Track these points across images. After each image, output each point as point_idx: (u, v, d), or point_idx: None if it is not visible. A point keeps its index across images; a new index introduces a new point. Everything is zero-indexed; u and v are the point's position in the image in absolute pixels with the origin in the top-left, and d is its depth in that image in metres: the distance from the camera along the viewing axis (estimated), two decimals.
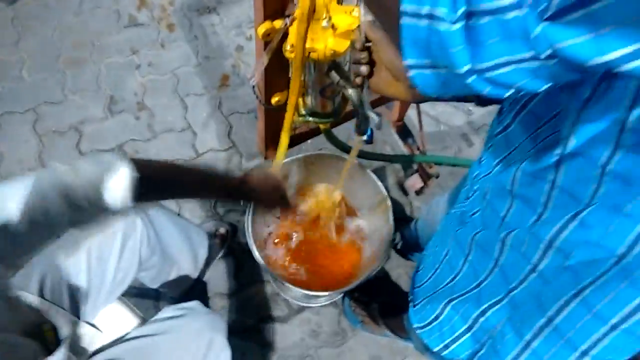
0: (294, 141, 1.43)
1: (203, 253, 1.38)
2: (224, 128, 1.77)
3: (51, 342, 0.81)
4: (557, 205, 0.46)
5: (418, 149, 1.65)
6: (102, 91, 1.80)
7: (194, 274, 1.38)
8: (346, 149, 1.35)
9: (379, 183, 1.30)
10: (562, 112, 0.46)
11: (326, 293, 1.31)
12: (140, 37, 1.93)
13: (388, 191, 1.31)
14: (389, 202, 1.27)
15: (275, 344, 1.44)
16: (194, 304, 1.01)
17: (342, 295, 1.51)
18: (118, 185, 0.63)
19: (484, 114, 1.90)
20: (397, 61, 0.50)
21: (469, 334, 0.62)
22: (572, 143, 0.44)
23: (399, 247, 1.49)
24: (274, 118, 1.21)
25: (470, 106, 1.93)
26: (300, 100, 1.02)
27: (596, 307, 0.42)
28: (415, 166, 1.65)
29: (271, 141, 1.32)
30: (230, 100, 1.83)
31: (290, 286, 1.19)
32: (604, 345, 0.43)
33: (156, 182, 0.72)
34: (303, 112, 1.05)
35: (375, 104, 1.41)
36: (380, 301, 1.47)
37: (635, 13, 0.27)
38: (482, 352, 0.59)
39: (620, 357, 0.44)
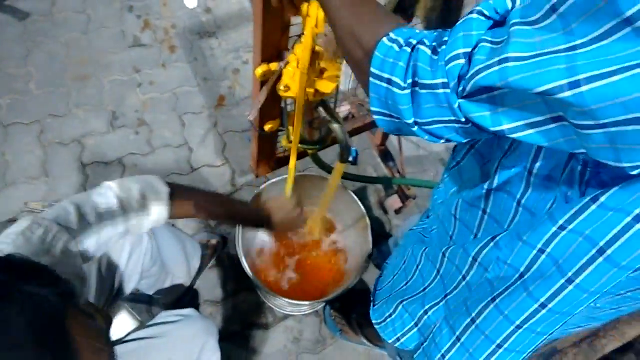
0: (282, 162, 1.55)
1: (196, 263, 1.49)
2: (219, 145, 1.89)
3: None
4: (487, 230, 0.60)
5: (398, 171, 1.79)
6: (104, 107, 1.92)
7: (187, 283, 1.49)
8: (331, 171, 1.48)
9: (359, 203, 1.43)
10: (490, 157, 0.60)
11: (309, 303, 1.43)
12: (143, 57, 2.06)
13: (369, 210, 1.44)
14: (368, 221, 1.40)
15: (260, 349, 1.55)
16: (190, 311, 1.11)
17: (323, 305, 1.62)
18: (159, 203, 0.85)
19: None
20: None
21: (415, 329, 0.74)
22: (496, 181, 0.58)
23: (377, 262, 1.61)
24: (265, 142, 1.34)
25: None
26: (290, 129, 1.15)
27: (506, 311, 0.54)
28: (395, 187, 1.79)
29: (262, 161, 1.44)
30: (226, 119, 1.96)
31: (275, 296, 1.30)
32: (512, 340, 0.55)
33: (184, 206, 0.93)
34: (292, 139, 1.17)
35: (360, 130, 1.55)
36: (359, 312, 1.59)
37: (520, 101, 0.40)
38: (426, 344, 0.72)
39: (526, 349, 0.56)
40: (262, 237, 1.54)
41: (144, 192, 0.86)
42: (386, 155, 1.87)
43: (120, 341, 1.05)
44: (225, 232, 1.72)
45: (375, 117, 0.56)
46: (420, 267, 0.75)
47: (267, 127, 1.19)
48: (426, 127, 0.49)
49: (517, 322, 0.54)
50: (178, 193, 0.91)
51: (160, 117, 1.92)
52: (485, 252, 0.57)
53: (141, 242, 1.11)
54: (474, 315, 0.58)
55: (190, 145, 1.88)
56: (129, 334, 1.06)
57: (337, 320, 1.58)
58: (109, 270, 1.05)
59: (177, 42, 2.12)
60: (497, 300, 0.55)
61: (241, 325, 1.58)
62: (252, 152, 1.46)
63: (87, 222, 0.78)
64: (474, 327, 0.59)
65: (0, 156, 1.75)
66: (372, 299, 0.91)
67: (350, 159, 1.14)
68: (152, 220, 0.88)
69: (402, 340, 0.79)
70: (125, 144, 1.85)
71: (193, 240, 1.60)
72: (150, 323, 1.07)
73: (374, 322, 0.87)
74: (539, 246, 0.49)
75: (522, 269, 0.52)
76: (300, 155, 1.51)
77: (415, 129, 0.50)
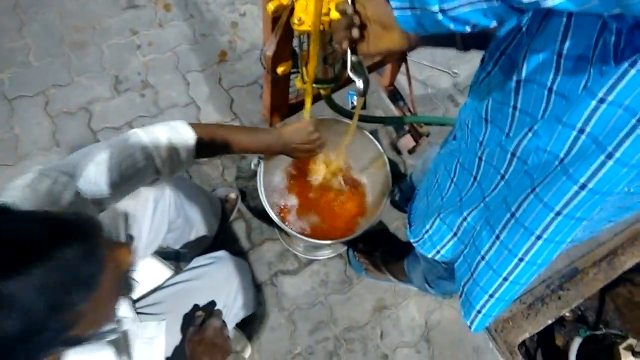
0: (294, 109, 1.54)
1: (218, 216, 1.52)
2: (226, 101, 1.88)
3: None
4: (518, 124, 0.60)
5: (409, 110, 1.78)
6: (106, 72, 1.89)
7: (211, 235, 1.51)
8: (344, 113, 1.47)
9: (375, 142, 1.43)
10: (518, 45, 0.60)
11: (333, 241, 1.43)
12: (139, 18, 2.01)
13: (383, 151, 1.44)
14: (385, 158, 1.40)
15: (289, 294, 1.59)
16: (222, 252, 1.14)
17: (346, 247, 1.66)
18: (187, 144, 0.86)
19: (467, 76, 2.03)
20: (386, 9, 0.62)
21: (454, 239, 0.76)
22: (524, 70, 0.58)
23: (396, 198, 1.62)
24: (277, 86, 1.32)
25: (455, 69, 2.05)
26: (304, 69, 1.14)
27: (545, 198, 0.55)
28: (406, 127, 1.78)
29: (275, 108, 1.44)
30: (230, 74, 1.93)
31: (300, 236, 1.31)
32: (551, 229, 0.57)
33: (211, 142, 0.92)
34: (307, 79, 1.16)
35: (368, 70, 1.53)
36: (382, 250, 1.62)
37: None
38: (466, 250, 0.74)
39: (564, 238, 0.58)
40: (282, 183, 1.55)
41: (170, 137, 0.86)
42: (395, 95, 1.85)
43: (159, 288, 1.08)
44: (242, 185, 1.73)
45: (396, 13, 0.56)
46: (454, 179, 0.76)
47: (280, 70, 1.18)
48: (452, 13, 0.50)
49: (557, 208, 0.55)
50: (202, 132, 0.91)
51: (163, 78, 1.90)
52: (523, 144, 0.58)
53: (163, 193, 1.12)
54: (513, 209, 0.60)
55: (197, 103, 1.87)
56: (166, 281, 1.09)
57: (361, 260, 1.62)
58: (135, 222, 1.06)
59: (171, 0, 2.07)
60: (537, 189, 0.56)
61: (268, 274, 1.61)
62: (264, 100, 1.45)
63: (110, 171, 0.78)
64: (513, 221, 0.60)
65: (9, 130, 1.75)
66: (408, 222, 0.93)
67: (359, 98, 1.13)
68: (180, 162, 0.88)
69: (441, 252, 0.81)
70: (132, 107, 1.83)
71: (213, 195, 1.62)
72: (186, 268, 1.10)
73: (412, 241, 0.89)
74: (579, 125, 0.50)
75: (561, 154, 0.52)
76: (314, 100, 1.51)
77: (440, 17, 0.51)
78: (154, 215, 1.11)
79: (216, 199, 1.55)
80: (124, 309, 0.90)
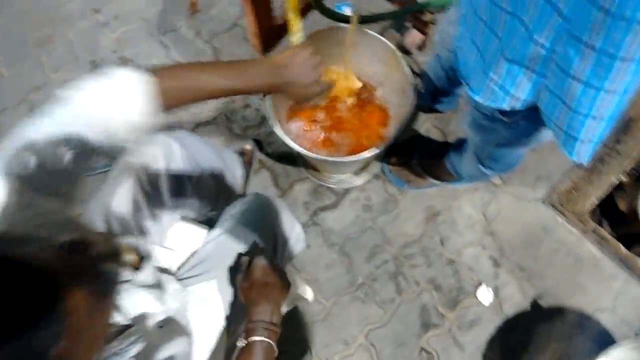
0: (284, 30, 1.40)
1: (239, 170, 1.41)
2: (211, 52, 1.74)
3: (134, 263, 0.84)
4: None
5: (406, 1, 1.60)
6: (81, 59, 1.77)
7: (237, 192, 1.41)
8: (339, 18, 1.32)
9: (383, 38, 1.28)
10: None
11: (358, 158, 1.29)
12: None
13: (394, 47, 1.29)
14: (399, 52, 1.25)
15: (335, 227, 1.50)
16: (251, 194, 1.04)
17: (380, 166, 1.54)
18: (143, 101, 0.63)
19: None
20: None
21: (531, 74, 0.63)
22: None
23: (422, 90, 1.47)
24: (260, 6, 1.18)
25: None
26: None
27: None
28: (409, 24, 1.62)
29: (262, 32, 1.29)
30: (207, 23, 1.78)
31: (322, 158, 1.19)
32: None
33: (179, 86, 0.69)
34: None
35: None
36: (418, 156, 1.50)
37: None
38: (550, 82, 0.61)
39: None
40: (297, 113, 1.42)
41: (110, 98, 0.63)
42: None
43: (199, 250, 0.99)
44: (254, 135, 1.62)
45: None
46: (508, 7, 0.61)
47: None
48: None
49: None
50: (164, 76, 0.67)
51: (140, 48, 1.77)
52: None
53: (171, 150, 1.01)
54: (607, 4, 0.46)
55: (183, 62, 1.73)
56: (205, 239, 1.00)
57: (400, 172, 1.50)
58: (151, 184, 0.96)
59: None
60: None
61: (307, 214, 1.52)
62: (249, 27, 1.31)
63: None
64: (609, 18, 0.47)
65: None
66: (465, 83, 0.78)
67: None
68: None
69: (519, 96, 0.68)
70: None
71: (227, 149, 1.51)
72: (219, 221, 1.00)
73: (479, 101, 0.75)
74: None
75: None
76: (303, 13, 1.36)
77: None
78: (169, 173, 1.01)
79: (232, 152, 1.45)
80: (168, 285, 0.81)
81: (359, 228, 1.50)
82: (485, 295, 1.41)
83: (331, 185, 1.54)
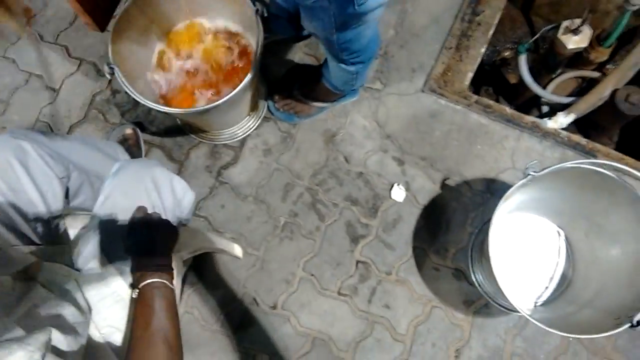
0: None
1: (122, 156, 1.36)
2: (61, 52, 1.64)
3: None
4: None
5: None
6: None
7: None
8: None
9: None
10: None
11: (228, 97, 1.26)
12: None
13: None
14: None
15: (242, 181, 1.49)
16: (116, 165, 0.98)
17: (265, 106, 1.54)
18: None
19: None
20: None
21: None
22: None
23: (265, 14, 1.44)
24: None
25: None
26: None
27: None
28: None
29: (93, 8, 1.22)
30: (47, 25, 1.67)
31: (197, 109, 1.17)
32: None
33: None
34: None
35: None
36: (298, 85, 1.50)
37: None
38: None
39: None
40: (157, 80, 1.37)
41: None
42: None
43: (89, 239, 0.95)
44: (132, 118, 1.56)
45: None
46: None
47: None
48: None
49: None
50: None
51: None
52: None
53: (24, 151, 0.94)
54: None
55: (34, 73, 1.62)
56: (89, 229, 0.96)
57: (285, 107, 1.50)
58: (14, 190, 0.90)
59: None
60: None
61: (212, 176, 1.50)
62: (74, 9, 1.23)
63: None
64: None
65: None
66: None
67: None
68: None
69: None
70: None
71: (103, 139, 1.45)
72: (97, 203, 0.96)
73: None
74: None
75: None
76: None
77: None
78: (32, 175, 0.95)
79: (111, 142, 1.39)
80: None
81: (265, 173, 1.50)
82: (398, 193, 1.47)
83: (226, 142, 1.53)
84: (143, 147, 1.51)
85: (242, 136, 1.53)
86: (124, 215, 0.90)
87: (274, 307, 1.39)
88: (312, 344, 1.36)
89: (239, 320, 1.38)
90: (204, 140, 1.53)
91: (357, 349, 1.35)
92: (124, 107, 1.57)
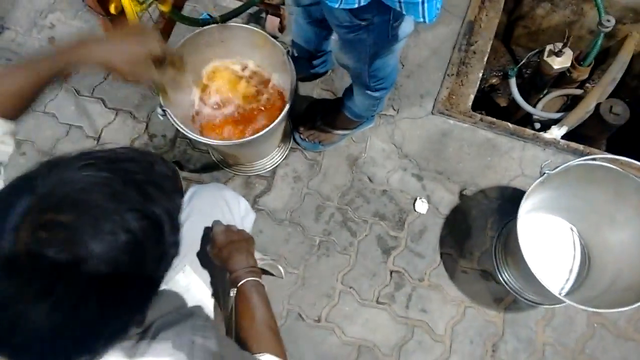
0: None
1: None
2: (99, 103, 1.78)
3: None
4: None
5: None
6: None
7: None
8: (197, 22, 1.43)
9: (249, 26, 1.41)
10: None
11: (266, 129, 1.40)
12: None
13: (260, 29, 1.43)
14: (263, 31, 1.40)
15: (277, 207, 1.61)
16: (191, 189, 1.11)
17: (290, 139, 1.68)
18: None
19: None
20: None
21: None
22: None
23: (295, 54, 1.61)
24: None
25: None
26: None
27: None
28: (263, 14, 1.78)
29: None
30: (82, 81, 1.82)
31: (234, 142, 1.30)
32: None
33: None
34: None
35: None
36: (320, 116, 1.66)
37: None
38: None
39: None
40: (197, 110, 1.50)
41: None
42: None
43: None
44: (172, 159, 1.69)
45: None
46: None
47: (112, 7, 1.12)
48: None
49: None
50: None
51: None
52: None
53: None
54: None
55: (72, 132, 1.76)
56: None
57: (309, 137, 1.65)
58: None
59: None
60: None
61: (249, 204, 1.61)
62: None
63: None
64: None
65: None
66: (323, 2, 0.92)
67: None
68: None
69: None
70: None
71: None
72: None
73: (335, 7, 0.88)
74: None
75: None
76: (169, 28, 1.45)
77: None
78: None
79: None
80: None
81: (297, 198, 1.63)
82: (421, 206, 1.60)
83: (258, 173, 1.66)
84: (184, 185, 1.63)
85: (273, 167, 1.66)
86: (203, 231, 1.01)
87: (319, 321, 1.48)
88: (358, 351, 1.44)
89: (286, 335, 1.46)
90: (238, 173, 1.66)
91: (401, 352, 1.44)
92: (162, 149, 1.70)
